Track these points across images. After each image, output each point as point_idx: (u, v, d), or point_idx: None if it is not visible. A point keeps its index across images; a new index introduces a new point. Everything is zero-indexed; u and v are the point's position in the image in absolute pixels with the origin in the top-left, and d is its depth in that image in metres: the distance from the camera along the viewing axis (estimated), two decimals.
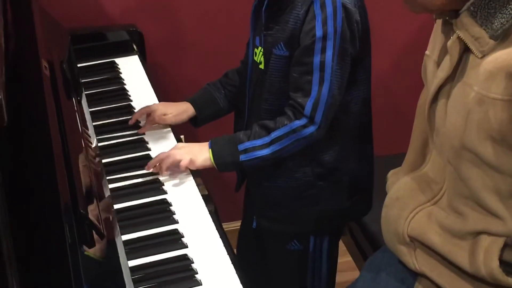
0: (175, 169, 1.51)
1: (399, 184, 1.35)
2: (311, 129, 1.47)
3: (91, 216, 1.14)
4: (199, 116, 1.72)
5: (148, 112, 1.70)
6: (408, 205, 1.30)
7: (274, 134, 1.48)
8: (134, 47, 2.09)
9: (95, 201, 1.23)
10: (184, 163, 1.48)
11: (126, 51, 2.07)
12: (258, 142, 1.48)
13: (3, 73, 0.75)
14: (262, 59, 1.55)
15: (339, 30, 1.43)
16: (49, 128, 1.20)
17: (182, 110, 1.71)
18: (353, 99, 1.55)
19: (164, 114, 1.69)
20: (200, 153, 1.50)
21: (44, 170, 1.12)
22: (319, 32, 1.42)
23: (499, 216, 1.17)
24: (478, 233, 1.21)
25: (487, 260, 1.18)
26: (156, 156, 1.54)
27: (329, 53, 1.43)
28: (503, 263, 1.19)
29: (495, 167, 1.15)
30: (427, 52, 1.35)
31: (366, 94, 1.59)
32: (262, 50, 1.56)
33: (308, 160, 1.56)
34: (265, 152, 1.48)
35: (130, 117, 1.73)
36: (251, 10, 1.63)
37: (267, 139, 1.48)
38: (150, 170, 1.52)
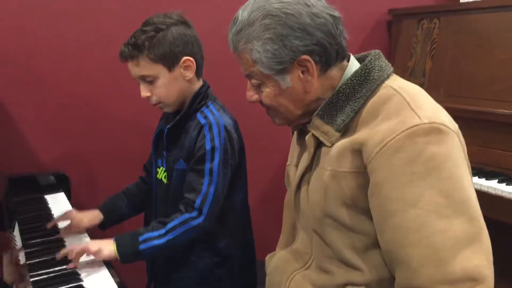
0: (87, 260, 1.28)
1: (277, 256, 1.24)
2: (199, 220, 1.35)
3: None
4: (106, 220, 1.54)
5: (66, 219, 1.51)
6: (286, 271, 1.18)
7: (168, 226, 1.34)
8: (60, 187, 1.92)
9: None
10: (93, 249, 1.28)
11: (54, 190, 1.89)
12: (155, 233, 1.33)
13: None
14: (164, 175, 1.43)
15: (223, 145, 1.38)
16: None
17: (94, 216, 1.53)
18: (235, 201, 1.47)
19: (80, 220, 1.50)
20: (106, 246, 1.30)
21: None
22: (208, 146, 1.37)
23: (358, 268, 1.07)
24: (344, 285, 1.08)
25: None
26: (68, 247, 1.32)
27: (216, 162, 1.37)
28: None
29: (350, 228, 1.06)
30: (287, 163, 1.30)
31: (244, 196, 1.51)
32: (164, 169, 1.43)
33: (208, 252, 1.43)
34: (161, 241, 1.32)
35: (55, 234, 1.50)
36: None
37: (162, 231, 1.34)
38: (60, 257, 1.29)
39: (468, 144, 1.70)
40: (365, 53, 1.17)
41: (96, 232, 1.54)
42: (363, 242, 1.04)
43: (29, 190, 1.84)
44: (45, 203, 1.77)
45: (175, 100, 1.40)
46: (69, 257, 1.27)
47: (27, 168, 1.92)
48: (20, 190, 1.81)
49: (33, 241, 1.43)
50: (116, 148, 2.05)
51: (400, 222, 0.95)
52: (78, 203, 1.89)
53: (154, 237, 1.31)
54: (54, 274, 1.24)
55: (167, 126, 1.43)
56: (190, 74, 1.39)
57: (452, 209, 0.93)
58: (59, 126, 1.97)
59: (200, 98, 1.41)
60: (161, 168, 1.47)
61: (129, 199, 1.59)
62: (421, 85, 2.24)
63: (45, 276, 1.22)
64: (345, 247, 1.06)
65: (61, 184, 1.90)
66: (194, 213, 1.33)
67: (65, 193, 1.87)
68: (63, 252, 1.29)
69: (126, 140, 2.04)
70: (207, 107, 1.42)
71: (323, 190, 1.07)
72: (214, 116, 1.39)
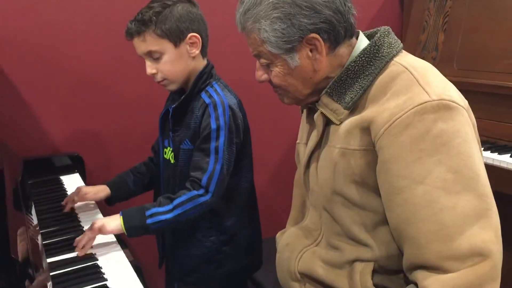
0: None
1: (287, 233, 1.25)
2: (206, 197, 1.36)
3: None
4: (113, 195, 1.56)
5: (74, 196, 1.53)
6: (296, 248, 1.19)
7: (175, 201, 1.35)
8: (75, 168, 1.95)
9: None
10: (97, 225, 1.28)
11: (69, 171, 1.92)
12: (162, 208, 1.34)
13: None
14: (171, 155, 1.44)
15: (228, 123, 1.38)
16: None
17: (100, 189, 1.56)
18: (241, 179, 1.48)
19: (86, 194, 1.53)
20: (112, 220, 1.31)
21: None
22: (213, 125, 1.37)
23: (367, 244, 1.08)
24: (353, 261, 1.10)
25: (362, 281, 1.06)
26: (80, 240, 1.30)
27: (221, 140, 1.37)
28: (374, 286, 1.07)
29: (359, 205, 1.07)
30: (297, 141, 1.30)
31: (250, 175, 1.52)
32: (171, 149, 1.45)
33: (214, 230, 1.44)
34: (168, 216, 1.33)
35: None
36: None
37: (170, 206, 1.34)
38: (80, 253, 1.27)
39: (480, 118, 1.69)
40: (375, 29, 1.15)
41: (108, 211, 1.57)
42: (372, 219, 1.05)
43: (45, 172, 1.86)
44: (60, 184, 1.79)
45: (180, 77, 1.40)
46: (86, 247, 1.27)
47: (42, 150, 1.94)
48: (35, 171, 1.83)
49: (49, 221, 1.46)
50: (130, 128, 2.06)
51: (408, 199, 0.95)
52: (92, 184, 1.89)
53: (161, 212, 1.32)
54: (69, 255, 1.26)
55: (172, 106, 1.43)
56: (195, 51, 1.39)
57: (460, 185, 0.93)
58: (73, 107, 1.97)
59: (205, 78, 1.42)
60: (168, 148, 1.48)
61: (136, 176, 1.60)
62: (434, 59, 2.22)
63: (61, 257, 1.24)
64: (354, 224, 1.07)
65: (76, 165, 1.91)
66: (201, 191, 1.34)
67: (80, 174, 1.89)
68: (79, 245, 1.28)
69: (140, 121, 2.05)
70: (212, 86, 1.42)
71: (332, 168, 1.07)
72: (218, 95, 1.39)
